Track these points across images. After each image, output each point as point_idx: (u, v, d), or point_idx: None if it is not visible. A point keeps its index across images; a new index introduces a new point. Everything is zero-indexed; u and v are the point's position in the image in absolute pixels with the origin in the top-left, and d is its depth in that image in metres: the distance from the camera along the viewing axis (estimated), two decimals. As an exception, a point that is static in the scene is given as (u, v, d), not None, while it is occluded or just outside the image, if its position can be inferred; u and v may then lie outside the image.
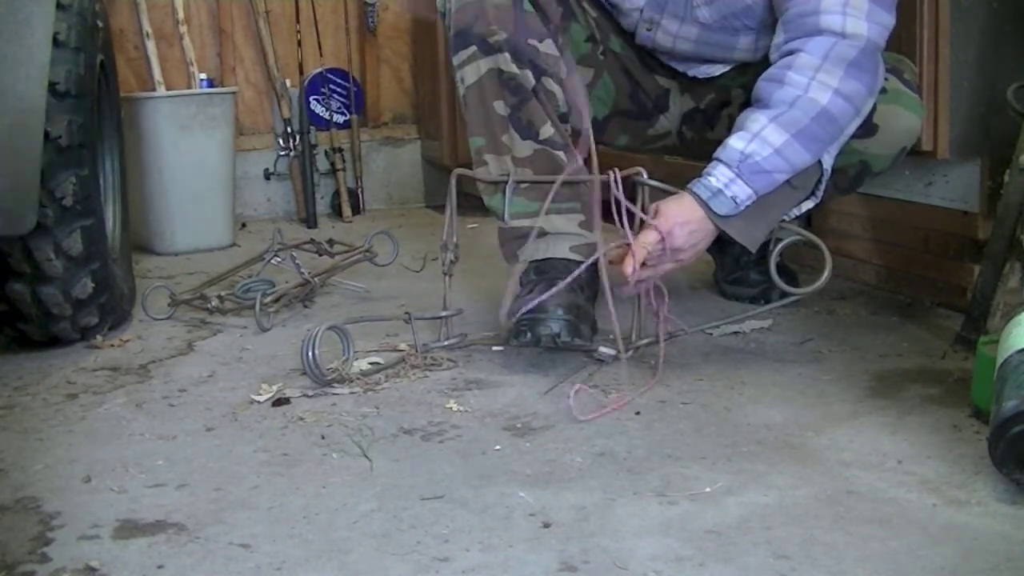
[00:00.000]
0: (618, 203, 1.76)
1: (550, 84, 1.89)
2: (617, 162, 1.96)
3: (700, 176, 1.76)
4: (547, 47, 1.88)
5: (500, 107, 1.87)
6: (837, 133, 1.76)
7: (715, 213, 1.74)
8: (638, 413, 1.61)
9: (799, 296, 1.91)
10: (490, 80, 1.87)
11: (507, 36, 1.84)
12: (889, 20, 1.75)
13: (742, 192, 1.73)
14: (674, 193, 1.87)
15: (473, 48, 1.86)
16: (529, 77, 1.86)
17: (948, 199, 2.08)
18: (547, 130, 1.88)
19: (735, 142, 1.74)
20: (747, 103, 1.82)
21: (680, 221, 1.74)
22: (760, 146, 1.72)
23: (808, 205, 1.87)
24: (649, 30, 1.97)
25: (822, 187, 1.84)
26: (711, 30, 1.92)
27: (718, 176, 1.74)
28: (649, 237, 1.74)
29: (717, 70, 2.04)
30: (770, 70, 1.78)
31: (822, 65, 1.72)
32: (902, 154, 1.93)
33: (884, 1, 1.74)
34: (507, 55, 1.85)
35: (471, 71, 1.88)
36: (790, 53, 1.75)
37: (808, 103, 1.72)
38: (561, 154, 1.88)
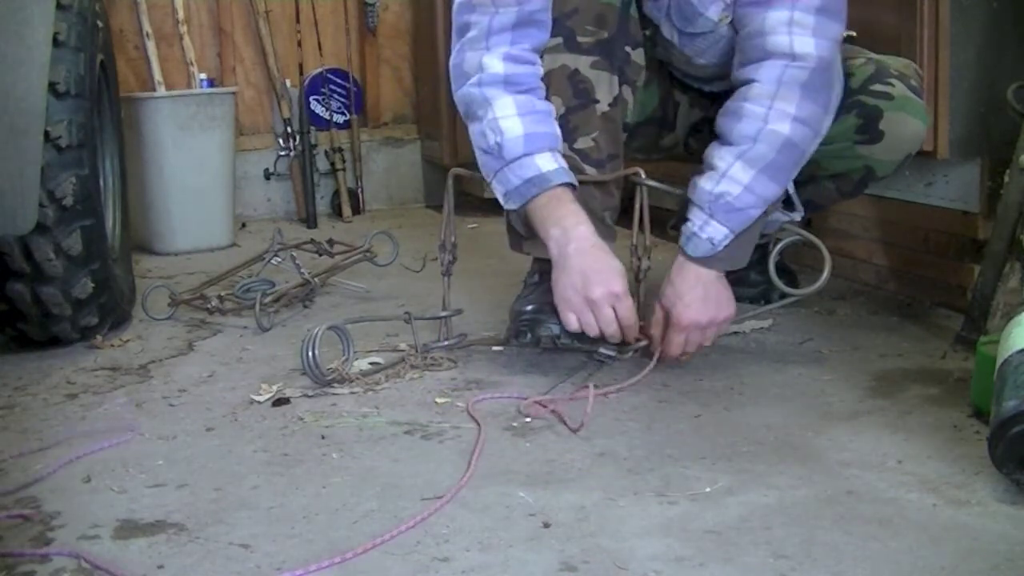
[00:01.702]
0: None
1: (627, 93, 1.86)
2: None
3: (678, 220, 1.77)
4: (638, 56, 1.85)
5: (556, 104, 1.81)
6: (800, 158, 1.74)
7: (696, 257, 1.73)
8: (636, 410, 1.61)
9: (799, 296, 1.91)
10: (559, 75, 1.80)
11: (608, 37, 1.80)
12: (838, 30, 1.72)
13: (718, 233, 1.72)
14: (672, 193, 1.87)
15: (559, 40, 1.80)
16: (614, 83, 1.82)
17: (948, 199, 2.08)
18: (586, 141, 1.82)
19: (704, 183, 1.72)
20: None
21: (692, 304, 1.74)
22: (730, 184, 1.70)
23: (796, 217, 1.86)
24: (666, 50, 1.95)
25: (796, 201, 1.83)
26: (715, 67, 1.91)
27: (692, 219, 1.73)
28: (675, 341, 1.76)
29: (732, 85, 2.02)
30: (727, 104, 1.76)
31: (777, 92, 1.69)
32: (907, 160, 1.92)
33: (832, 10, 1.70)
34: (590, 59, 1.80)
35: (547, 60, 1.81)
36: (745, 82, 1.73)
37: (770, 135, 1.69)
38: (592, 170, 1.82)
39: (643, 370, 1.73)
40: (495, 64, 1.75)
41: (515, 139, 1.72)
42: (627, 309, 1.73)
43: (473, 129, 1.79)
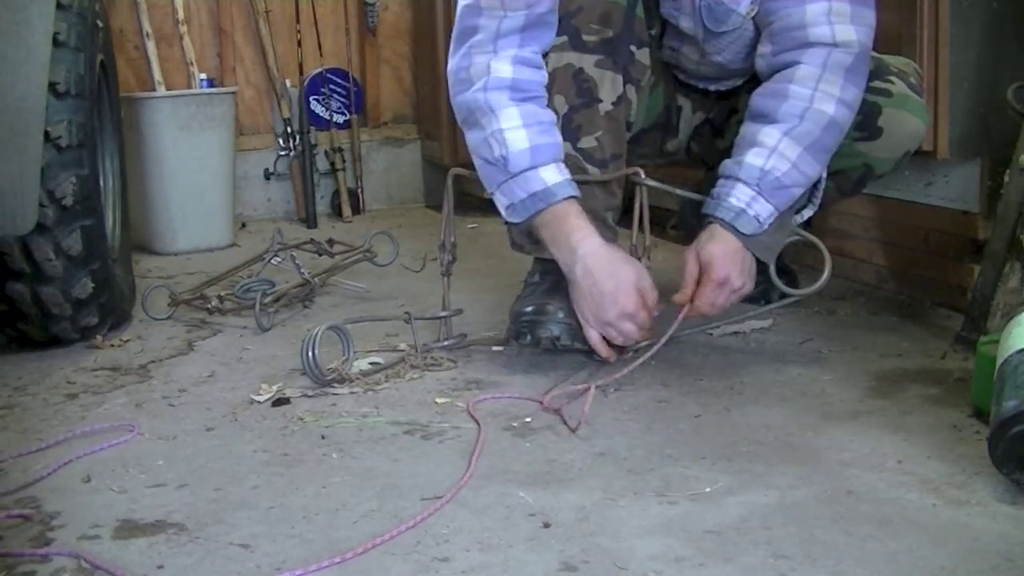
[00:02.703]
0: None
1: (631, 93, 1.84)
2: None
3: (715, 198, 1.75)
4: (642, 56, 1.84)
5: (559, 102, 1.80)
6: (839, 139, 1.76)
7: (741, 234, 1.73)
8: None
9: (799, 296, 1.91)
10: (564, 74, 1.79)
11: (612, 36, 1.78)
12: (872, 18, 1.75)
13: (764, 210, 1.73)
14: (672, 192, 1.87)
15: (564, 38, 1.79)
16: (618, 82, 1.81)
17: (948, 199, 2.08)
18: (589, 141, 1.81)
19: (753, 159, 1.73)
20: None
21: (730, 263, 1.73)
22: (779, 161, 1.72)
23: (808, 213, 1.87)
24: (674, 50, 1.95)
25: (819, 193, 1.84)
26: (731, 64, 1.91)
27: (738, 196, 1.73)
28: (707, 295, 1.74)
29: (740, 81, 2.01)
30: (768, 85, 1.77)
31: (822, 75, 1.72)
32: (905, 158, 1.92)
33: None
34: (595, 57, 1.78)
35: (552, 58, 1.80)
36: (785, 66, 1.75)
37: (817, 114, 1.72)
38: (595, 169, 1.81)
39: (657, 341, 1.75)
40: (503, 68, 1.73)
41: (521, 152, 1.72)
42: (645, 319, 1.75)
43: (474, 137, 1.77)
